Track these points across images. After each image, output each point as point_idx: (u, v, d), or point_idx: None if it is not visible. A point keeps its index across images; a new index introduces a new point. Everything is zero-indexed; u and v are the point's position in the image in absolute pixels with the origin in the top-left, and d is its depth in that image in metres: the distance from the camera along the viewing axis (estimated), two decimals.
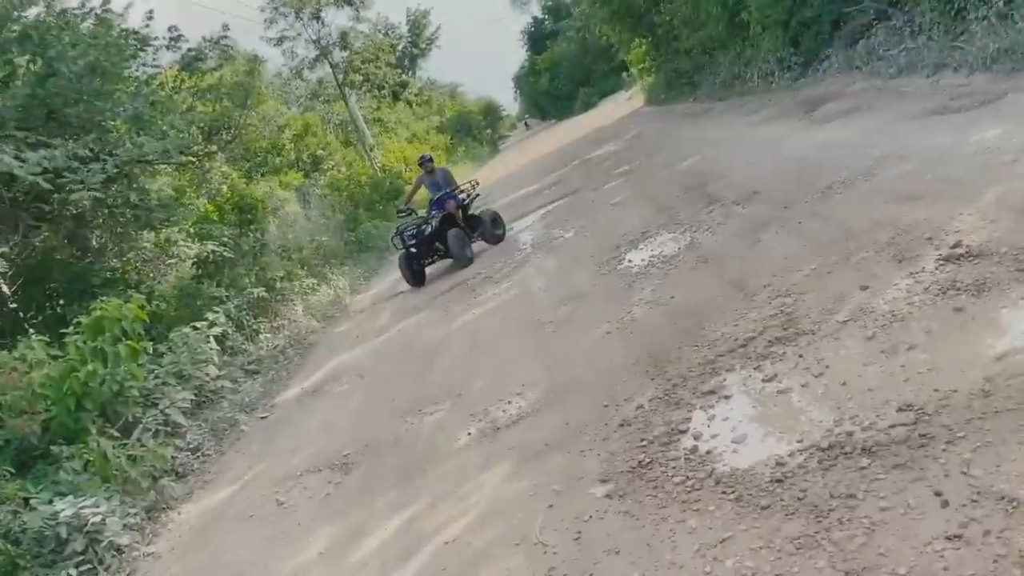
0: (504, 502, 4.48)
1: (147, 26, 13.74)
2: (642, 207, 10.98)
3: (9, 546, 6.53)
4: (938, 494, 2.89)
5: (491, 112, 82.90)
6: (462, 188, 14.01)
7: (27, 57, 11.18)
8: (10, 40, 10.96)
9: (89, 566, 6.43)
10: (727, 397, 4.46)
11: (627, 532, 3.61)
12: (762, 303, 5.45)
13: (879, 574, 2.66)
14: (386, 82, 44.58)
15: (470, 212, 14.18)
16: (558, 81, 67.79)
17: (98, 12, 12.30)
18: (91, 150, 10.37)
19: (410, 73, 58.50)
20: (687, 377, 4.87)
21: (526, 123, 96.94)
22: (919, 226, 5.42)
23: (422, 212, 14.19)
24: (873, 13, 13.75)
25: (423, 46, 61.27)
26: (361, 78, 39.70)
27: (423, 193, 14.64)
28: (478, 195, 15.05)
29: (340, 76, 36.55)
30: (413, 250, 12.75)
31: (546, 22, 70.09)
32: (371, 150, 30.83)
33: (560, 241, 11.36)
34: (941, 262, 4.77)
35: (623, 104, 42.99)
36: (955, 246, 4.85)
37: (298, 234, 16.58)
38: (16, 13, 11.33)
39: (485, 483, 4.79)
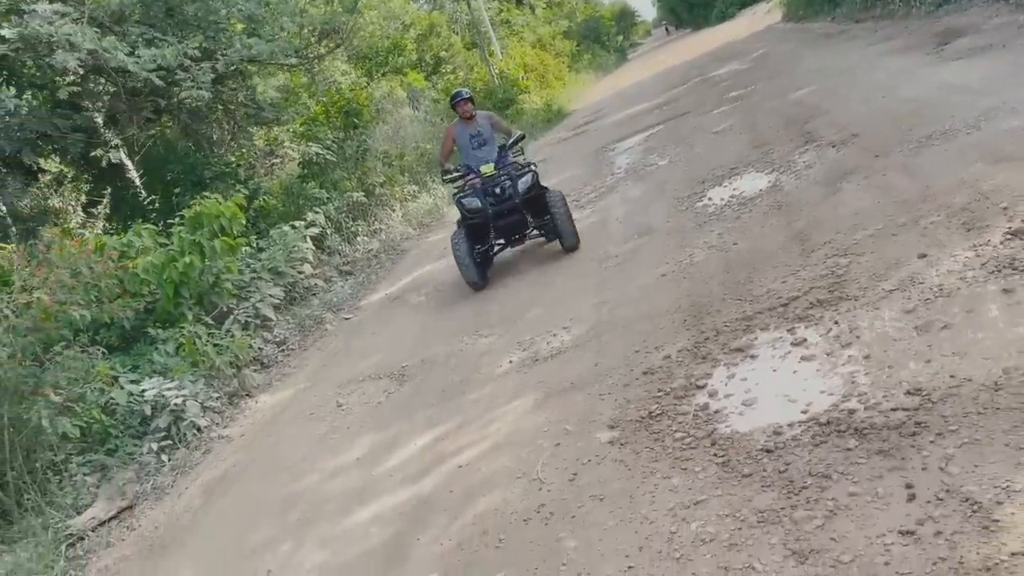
0: (519, 435, 4.70)
1: None
2: (740, 140, 10.64)
3: (104, 417, 7.26)
4: (909, 487, 2.89)
5: (624, 18, 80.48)
6: (517, 149, 8.77)
7: None
8: None
9: (170, 442, 7.11)
10: (753, 357, 4.47)
11: (617, 481, 3.76)
12: (817, 261, 5.34)
13: (823, 558, 2.72)
14: None
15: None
16: None
17: None
18: (204, 48, 10.82)
19: None
20: (720, 331, 4.89)
21: (666, 28, 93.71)
22: (999, 192, 5.13)
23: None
24: None
25: None
26: None
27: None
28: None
29: None
30: (497, 216, 8.04)
31: None
32: (491, 55, 30.52)
33: (652, 169, 11.19)
34: (1008, 236, 4.52)
35: (761, 17, 40.77)
36: None
37: (404, 139, 16.82)
38: None
39: (509, 413, 5.03)
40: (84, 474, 6.74)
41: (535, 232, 8.43)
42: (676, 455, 3.75)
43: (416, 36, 32.61)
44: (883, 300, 4.44)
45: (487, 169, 8.10)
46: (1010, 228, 4.59)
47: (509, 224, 8.09)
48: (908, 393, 3.46)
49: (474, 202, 8.01)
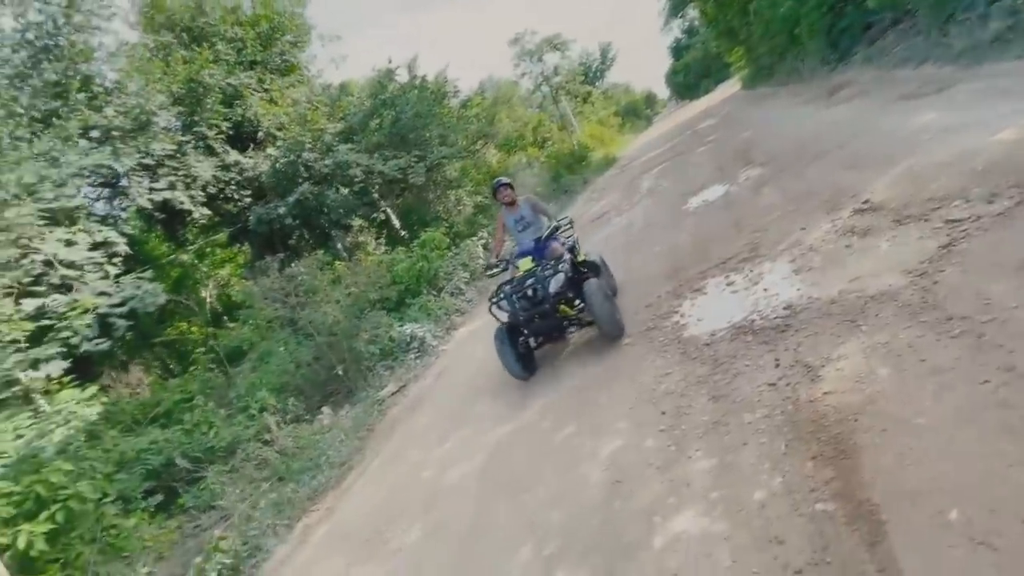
0: (577, 340, 4.67)
1: (446, 80, 14.35)
2: (710, 166, 9.98)
3: (390, 342, 7.92)
4: (776, 360, 2.89)
5: (650, 99, 75.86)
6: (562, 226, 5.35)
7: (388, 112, 12.26)
8: (379, 104, 12.01)
9: (420, 353, 7.59)
10: (704, 293, 4.37)
11: (628, 362, 3.83)
12: (745, 236, 5.08)
13: (727, 399, 2.79)
14: (579, 92, 42.47)
15: (581, 256, 5.41)
16: (689, 76, 59.89)
17: (418, 80, 13.02)
18: (418, 155, 11.41)
19: (600, 80, 54.93)
20: (688, 280, 4.77)
21: (676, 100, 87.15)
22: (851, 187, 4.73)
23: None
24: (888, 20, 10.93)
25: (608, 64, 56.89)
26: (565, 91, 38.09)
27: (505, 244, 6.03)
28: (577, 236, 5.74)
29: (554, 92, 35.32)
30: (527, 322, 4.55)
31: (682, 39, 61.43)
32: (571, 135, 29.89)
33: (660, 188, 10.70)
34: (853, 213, 4.23)
35: (729, 88, 37.25)
36: (864, 202, 4.27)
37: (526, 187, 16.91)
38: (381, 95, 12.32)
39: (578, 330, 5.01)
40: (382, 371, 7.26)
41: (574, 328, 4.66)
42: (659, 349, 3.78)
43: (531, 128, 32.36)
44: (779, 256, 4.25)
45: (525, 264, 4.61)
46: (854, 208, 4.28)
47: (543, 327, 4.53)
48: (784, 308, 3.39)
49: (505, 311, 4.57)
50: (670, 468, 2.54)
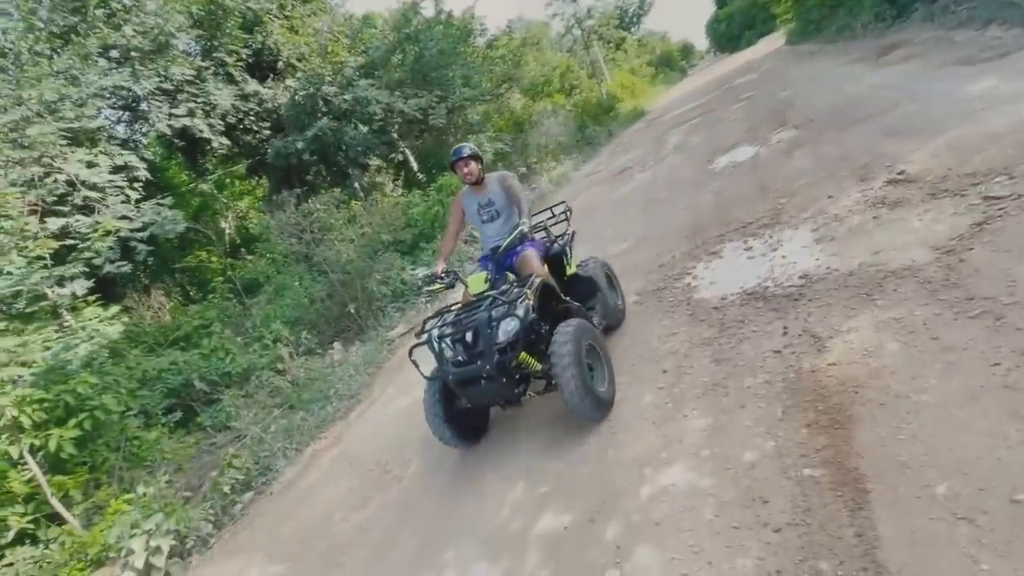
0: None
1: (472, 17, 13.68)
2: (742, 125, 9.51)
3: (402, 284, 8.00)
4: (784, 328, 2.87)
5: (685, 49, 71.81)
6: (540, 221, 3.85)
7: (411, 47, 11.76)
8: (402, 38, 11.52)
9: (428, 298, 7.42)
10: (721, 257, 4.28)
11: (634, 320, 3.81)
12: (769, 200, 4.93)
13: (730, 362, 2.79)
14: (612, 38, 40.22)
15: (570, 270, 3.48)
16: (732, 26, 56.24)
17: (444, 16, 12.42)
18: (440, 96, 11.04)
19: (636, 27, 51.90)
20: (706, 242, 4.68)
21: (714, 53, 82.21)
22: (888, 155, 4.52)
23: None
24: None
25: (645, 9, 53.48)
26: (597, 36, 36.13)
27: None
28: (572, 233, 3.77)
29: (586, 36, 33.54)
30: (461, 383, 2.75)
31: None
32: (602, 82, 28.57)
33: (688, 145, 10.26)
34: (885, 184, 4.05)
35: (772, 43, 35.01)
36: (900, 173, 4.08)
37: (550, 135, 16.40)
38: (405, 28, 11.79)
39: None
40: (393, 312, 7.36)
41: (532, 394, 2.97)
42: (667, 309, 3.76)
43: (559, 74, 30.98)
44: (801, 224, 4.12)
45: (475, 284, 3.02)
46: (888, 179, 4.10)
47: (482, 393, 2.85)
48: (799, 277, 3.33)
49: (435, 347, 2.87)
50: (665, 424, 2.58)
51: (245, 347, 7.16)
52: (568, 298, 3.23)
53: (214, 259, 12.88)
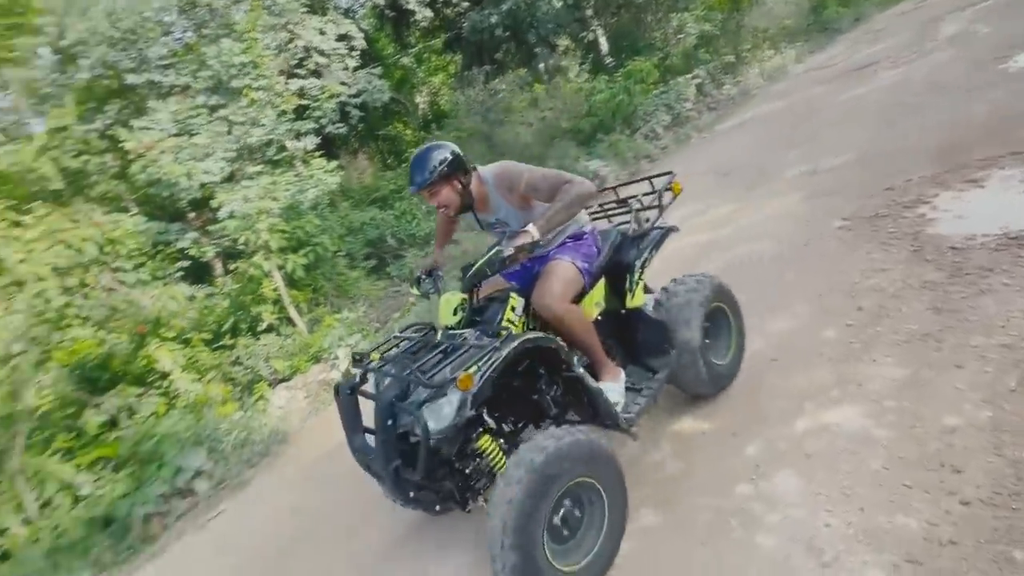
0: (778, 215, 4.13)
1: None
2: None
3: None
4: None
5: None
6: (631, 196, 2.21)
7: None
8: None
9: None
10: (982, 187, 3.32)
11: (838, 250, 3.29)
12: None
13: (955, 315, 2.28)
14: None
15: (632, 300, 2.04)
16: None
17: None
18: None
19: None
20: (966, 166, 3.62)
21: None
22: None
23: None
24: None
25: None
26: None
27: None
28: (664, 231, 2.19)
29: None
30: (381, 470, 1.67)
31: None
32: None
33: (971, 35, 7.58)
34: None
35: None
36: None
37: (773, 17, 13.52)
38: None
39: (778, 203, 4.40)
40: None
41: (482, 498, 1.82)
42: (883, 240, 3.14)
43: None
44: None
45: (445, 309, 1.88)
46: None
47: (411, 489, 1.71)
48: None
49: (352, 439, 1.91)
50: (844, 362, 2.28)
51: (428, 215, 8.02)
52: (591, 360, 1.93)
53: (408, 131, 14.13)
